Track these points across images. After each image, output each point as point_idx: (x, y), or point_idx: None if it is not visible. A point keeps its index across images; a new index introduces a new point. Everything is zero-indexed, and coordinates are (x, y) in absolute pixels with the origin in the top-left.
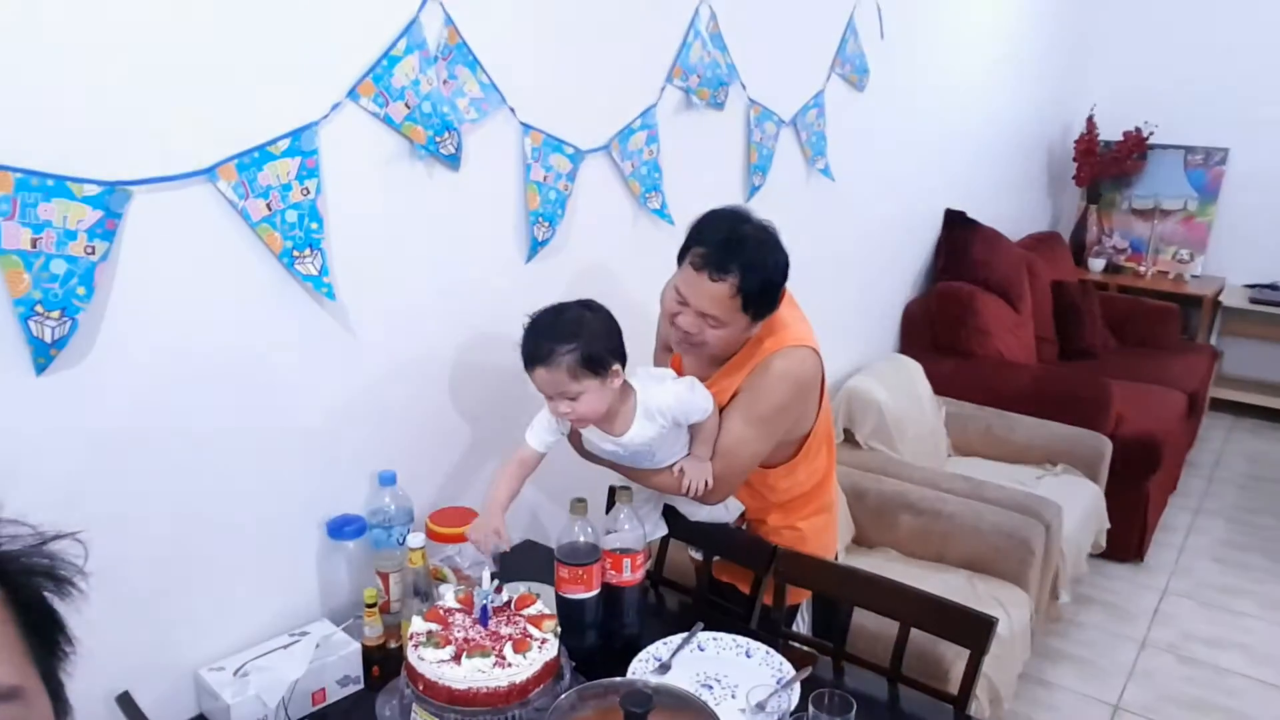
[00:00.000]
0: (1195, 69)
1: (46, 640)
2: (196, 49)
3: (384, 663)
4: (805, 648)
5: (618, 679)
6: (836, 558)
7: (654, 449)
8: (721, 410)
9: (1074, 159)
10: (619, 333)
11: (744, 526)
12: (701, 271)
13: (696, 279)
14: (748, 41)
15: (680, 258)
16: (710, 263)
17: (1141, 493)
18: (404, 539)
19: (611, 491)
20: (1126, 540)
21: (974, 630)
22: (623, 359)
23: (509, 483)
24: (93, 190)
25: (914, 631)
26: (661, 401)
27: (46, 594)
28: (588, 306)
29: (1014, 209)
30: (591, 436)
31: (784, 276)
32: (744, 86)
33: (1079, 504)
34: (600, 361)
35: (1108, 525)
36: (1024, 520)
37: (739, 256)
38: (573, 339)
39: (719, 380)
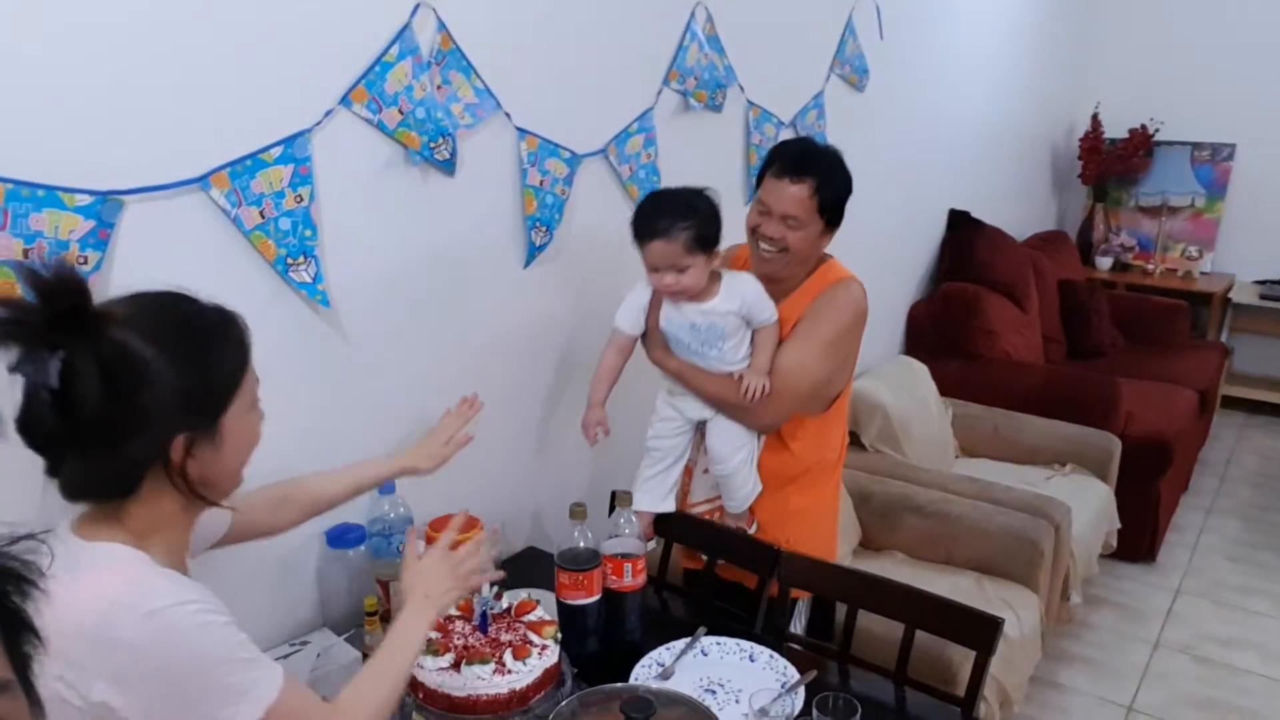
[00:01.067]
0: (1200, 65)
1: (15, 639)
2: (188, 57)
3: None
4: (807, 651)
5: (619, 685)
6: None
7: (726, 332)
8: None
9: (1079, 157)
10: (721, 220)
11: (754, 526)
12: (783, 178)
13: (778, 185)
14: (745, 43)
15: (759, 180)
16: (790, 169)
17: (1153, 492)
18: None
19: (613, 497)
20: (1138, 540)
21: (980, 631)
22: (719, 242)
23: (608, 375)
24: (84, 200)
25: (921, 634)
26: (744, 286)
27: (10, 593)
28: (697, 193)
29: (1019, 208)
30: (674, 312)
31: (850, 190)
32: (742, 88)
33: (1089, 504)
34: (708, 241)
35: (1119, 525)
36: (1033, 521)
37: (815, 164)
38: (689, 217)
39: (781, 310)
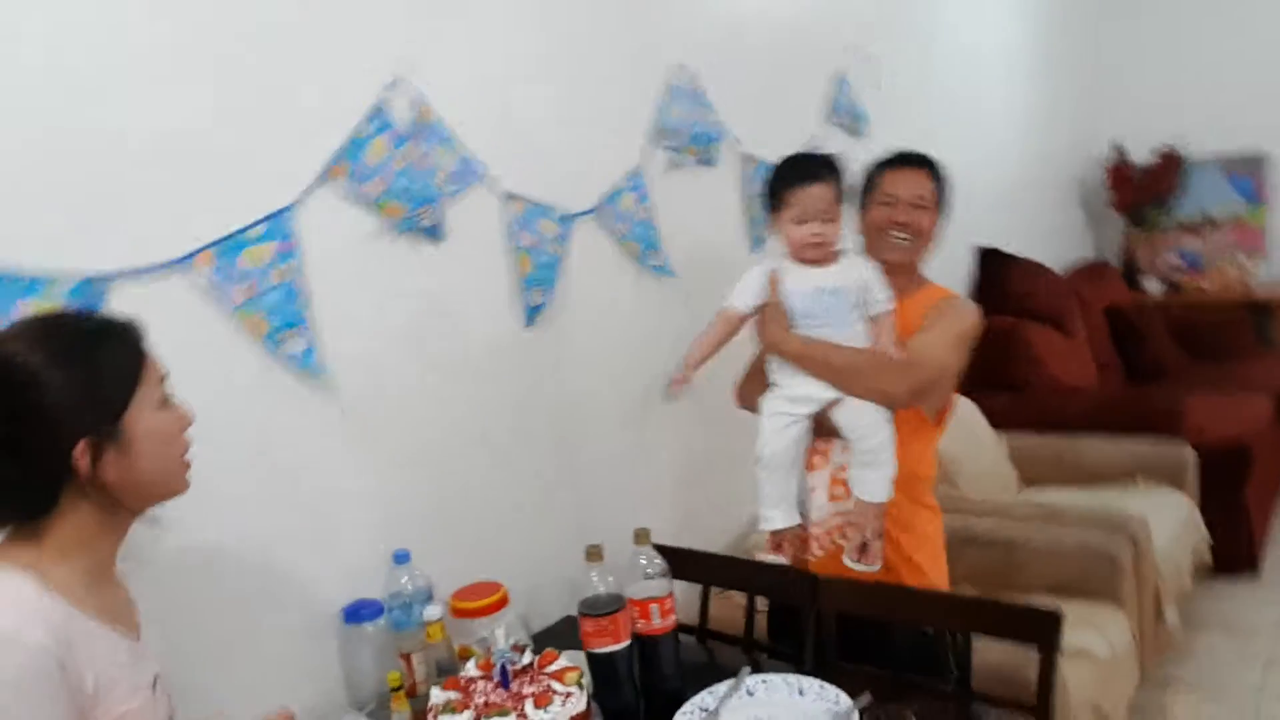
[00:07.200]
0: (1219, 76)
1: None
2: (168, 140)
3: None
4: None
5: None
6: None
7: (851, 302)
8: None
9: (1108, 185)
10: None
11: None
12: (904, 167)
13: (902, 174)
14: (734, 98)
15: (866, 190)
16: (908, 160)
17: (1240, 501)
18: None
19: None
20: (1235, 553)
21: (1038, 627)
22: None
23: (708, 343)
24: (68, 285)
25: (994, 647)
26: (862, 262)
27: None
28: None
29: (1053, 243)
30: (800, 282)
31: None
32: (737, 141)
33: (1169, 517)
34: (844, 200)
35: (1208, 539)
36: (1107, 536)
37: (925, 157)
38: (837, 168)
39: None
